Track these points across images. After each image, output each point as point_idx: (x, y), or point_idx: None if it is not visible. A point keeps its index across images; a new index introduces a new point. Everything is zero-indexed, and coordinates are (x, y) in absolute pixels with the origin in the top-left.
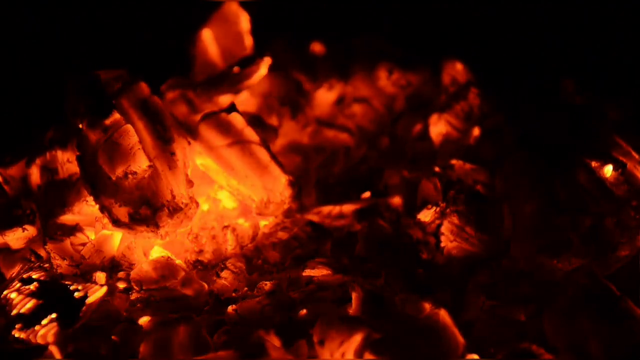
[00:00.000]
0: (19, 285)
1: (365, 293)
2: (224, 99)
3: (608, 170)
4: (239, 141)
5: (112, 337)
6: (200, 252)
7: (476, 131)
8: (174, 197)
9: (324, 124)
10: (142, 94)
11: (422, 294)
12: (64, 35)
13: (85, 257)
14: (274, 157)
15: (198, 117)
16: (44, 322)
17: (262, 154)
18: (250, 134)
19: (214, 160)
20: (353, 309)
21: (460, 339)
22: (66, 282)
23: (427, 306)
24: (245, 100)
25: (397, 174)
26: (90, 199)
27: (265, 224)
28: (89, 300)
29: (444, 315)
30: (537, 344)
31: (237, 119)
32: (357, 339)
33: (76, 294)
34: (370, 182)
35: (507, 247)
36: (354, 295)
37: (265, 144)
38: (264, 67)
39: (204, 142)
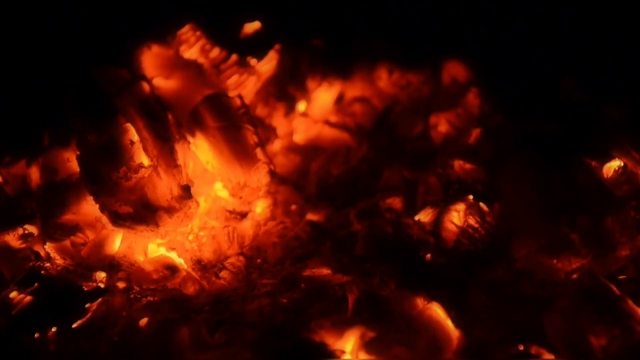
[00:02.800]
0: (19, 285)
1: (361, 293)
2: (231, 82)
3: (608, 170)
4: (232, 125)
5: (112, 337)
6: (200, 252)
7: (476, 131)
8: (174, 196)
9: (324, 124)
10: (142, 93)
11: (416, 290)
12: (64, 35)
13: (85, 257)
14: (261, 145)
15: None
16: (44, 322)
17: (251, 140)
18: (246, 120)
19: (204, 139)
20: (348, 308)
21: (454, 331)
22: (66, 282)
23: (420, 302)
24: (245, 99)
25: (397, 174)
26: (90, 198)
27: (261, 219)
28: (89, 300)
29: (436, 309)
30: (537, 344)
31: (235, 104)
32: (353, 337)
33: (76, 294)
34: (370, 182)
35: (507, 247)
36: (349, 296)
37: (257, 132)
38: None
39: (200, 121)
